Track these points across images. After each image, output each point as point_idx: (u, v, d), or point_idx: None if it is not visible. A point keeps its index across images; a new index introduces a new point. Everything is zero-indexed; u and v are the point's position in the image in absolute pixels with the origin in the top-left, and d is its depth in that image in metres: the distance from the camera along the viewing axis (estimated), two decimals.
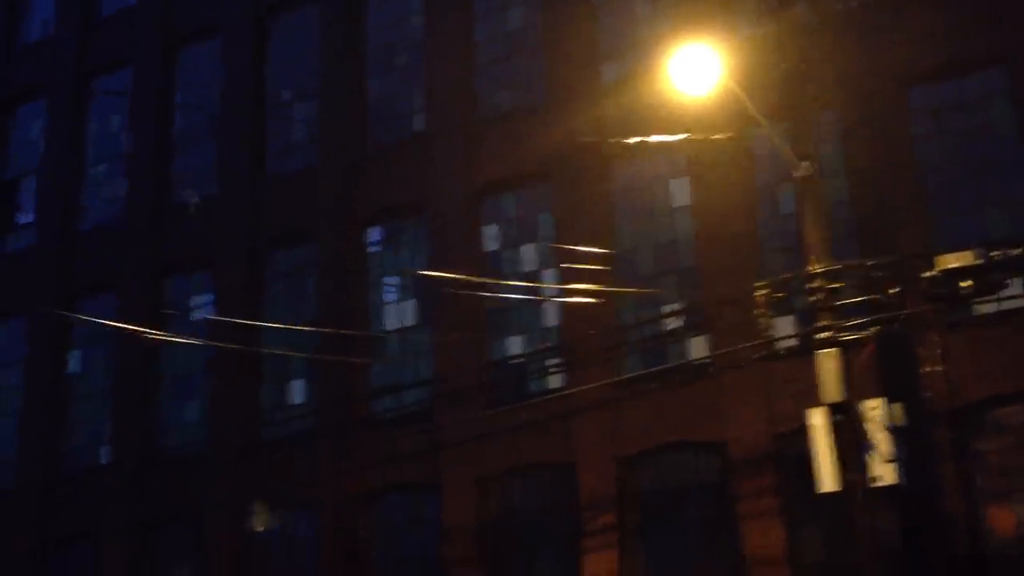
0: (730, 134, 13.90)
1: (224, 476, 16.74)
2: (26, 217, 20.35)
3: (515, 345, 15.80)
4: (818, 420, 10.29)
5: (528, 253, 16.14)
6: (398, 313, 16.82)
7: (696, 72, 10.73)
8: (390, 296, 16.98)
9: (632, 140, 14.62)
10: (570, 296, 14.72)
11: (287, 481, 16.27)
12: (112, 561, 17.23)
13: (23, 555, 17.89)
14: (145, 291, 18.48)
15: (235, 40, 19.21)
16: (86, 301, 19.06)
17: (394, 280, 17.00)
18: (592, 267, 14.85)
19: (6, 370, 19.56)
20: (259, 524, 16.11)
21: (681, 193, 15.30)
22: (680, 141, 14.67)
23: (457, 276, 14.84)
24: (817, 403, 10.36)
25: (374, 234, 17.34)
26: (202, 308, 18.25)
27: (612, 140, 15.18)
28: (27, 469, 18.47)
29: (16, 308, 19.64)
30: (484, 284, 15.13)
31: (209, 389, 17.63)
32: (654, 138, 14.24)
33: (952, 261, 10.03)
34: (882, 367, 10.47)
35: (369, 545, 15.80)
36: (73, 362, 18.98)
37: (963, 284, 10.01)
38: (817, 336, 10.35)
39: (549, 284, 15.53)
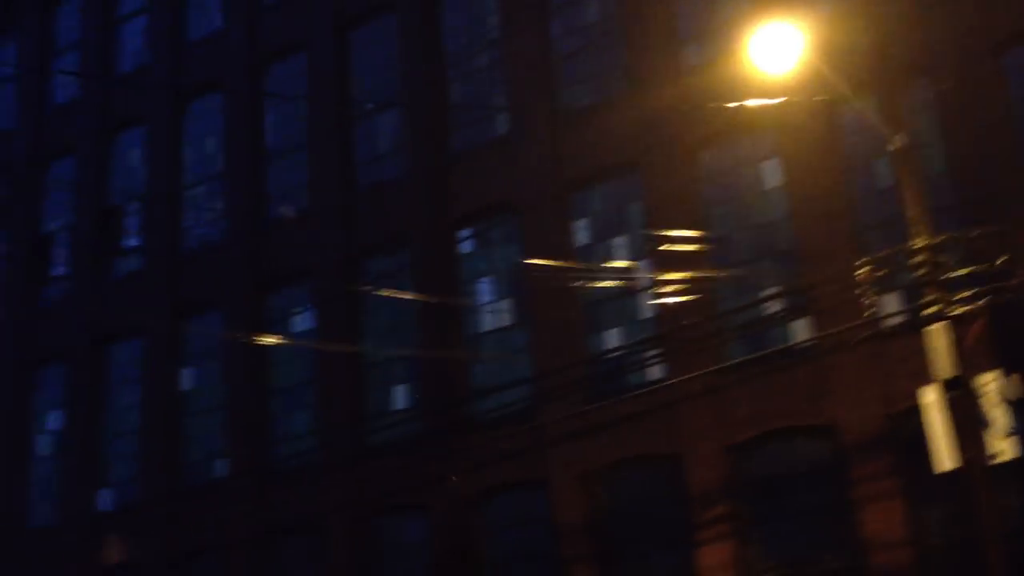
0: (822, 98, 13.59)
1: (337, 483, 17.05)
2: (132, 241, 21.01)
3: (613, 338, 15.76)
4: (931, 398, 10.04)
5: (620, 245, 16.07)
6: (494, 313, 16.92)
7: (779, 50, 10.55)
8: (485, 297, 17.09)
9: (732, 104, 14.37)
10: (666, 285, 14.62)
11: (397, 486, 16.50)
12: (238, 571, 17.70)
13: (152, 568, 18.48)
14: (248, 306, 18.91)
15: (319, 54, 19.54)
16: (194, 319, 19.60)
17: (489, 280, 17.10)
18: (686, 253, 14.72)
19: (124, 389, 20.25)
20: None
21: (772, 174, 15.06)
22: (769, 121, 14.45)
23: (557, 264, 14.88)
24: (929, 380, 10.12)
25: (465, 236, 17.47)
26: (303, 320, 18.62)
27: (713, 104, 14.92)
28: (150, 485, 19.08)
29: (130, 329, 20.28)
30: (580, 275, 15.14)
31: (316, 399, 17.98)
32: (752, 102, 13.93)
33: None
34: (995, 339, 10.17)
35: (480, 545, 15.93)
36: (186, 379, 19.54)
37: None
38: (925, 311, 10.11)
39: (645, 274, 15.43)
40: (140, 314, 20.06)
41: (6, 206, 22.78)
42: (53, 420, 20.92)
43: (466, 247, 17.45)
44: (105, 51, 22.59)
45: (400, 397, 17.45)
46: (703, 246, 14.86)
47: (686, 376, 13.26)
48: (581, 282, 15.75)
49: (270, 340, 16.92)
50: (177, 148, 20.93)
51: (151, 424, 19.47)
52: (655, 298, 15.25)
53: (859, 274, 10.95)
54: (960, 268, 10.26)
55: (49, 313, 21.45)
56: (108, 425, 20.17)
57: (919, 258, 10.15)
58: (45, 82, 23.22)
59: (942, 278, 10.09)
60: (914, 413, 10.34)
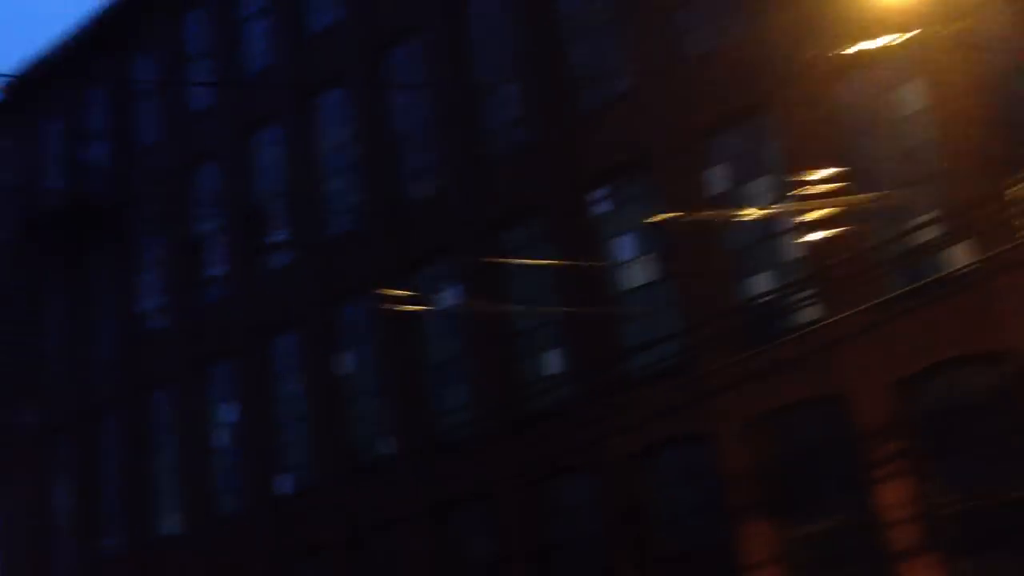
0: (962, 21, 12.98)
1: (501, 452, 17.38)
2: (280, 236, 21.72)
3: (762, 283, 15.50)
4: None
5: (759, 188, 15.75)
6: (637, 271, 16.85)
7: None
8: (626, 254, 17.03)
9: (889, 38, 13.86)
10: (812, 223, 14.28)
11: (560, 450, 16.72)
12: (414, 544, 18.29)
13: (334, 545, 19.26)
14: (397, 288, 19.33)
15: (436, 35, 19.67)
16: (347, 305, 20.15)
17: (628, 237, 17.03)
18: (830, 188, 14.34)
19: (288, 379, 21.05)
20: None
21: (913, 98, 14.45)
22: (904, 43, 13.85)
23: (696, 217, 14.70)
24: None
25: (599, 196, 17.41)
26: (449, 296, 18.95)
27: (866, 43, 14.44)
28: (323, 467, 19.84)
29: (287, 321, 21.03)
30: (722, 222, 14.92)
31: (471, 372, 18.31)
32: (886, 39, 13.44)
33: None
34: None
35: (649, 502, 16.00)
36: (344, 364, 20.17)
37: None
38: None
39: (789, 214, 15.08)
40: (295, 305, 20.77)
41: (160, 215, 23.83)
42: (227, 413, 21.94)
43: (601, 207, 17.40)
44: (233, 55, 23.27)
45: (553, 362, 17.61)
46: (847, 180, 14.43)
47: (844, 314, 12.97)
48: (723, 230, 15.53)
49: (418, 308, 17.30)
50: (311, 142, 21.46)
51: (317, 410, 20.21)
52: (802, 238, 14.92)
53: (1012, 192, 10.45)
54: None
55: (211, 312, 22.41)
56: (278, 414, 21.03)
57: None
58: (183, 92, 24.09)
59: None
60: None
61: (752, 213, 15.24)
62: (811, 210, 14.35)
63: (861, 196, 14.27)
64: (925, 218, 13.75)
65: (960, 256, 13.57)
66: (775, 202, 15.40)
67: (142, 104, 25.02)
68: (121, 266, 24.29)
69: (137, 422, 23.32)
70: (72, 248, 25.13)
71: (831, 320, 13.38)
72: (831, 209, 14.09)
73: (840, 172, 14.42)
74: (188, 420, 22.30)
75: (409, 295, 19.25)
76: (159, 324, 23.42)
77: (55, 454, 24.92)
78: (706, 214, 15.16)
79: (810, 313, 14.67)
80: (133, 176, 24.56)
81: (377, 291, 19.61)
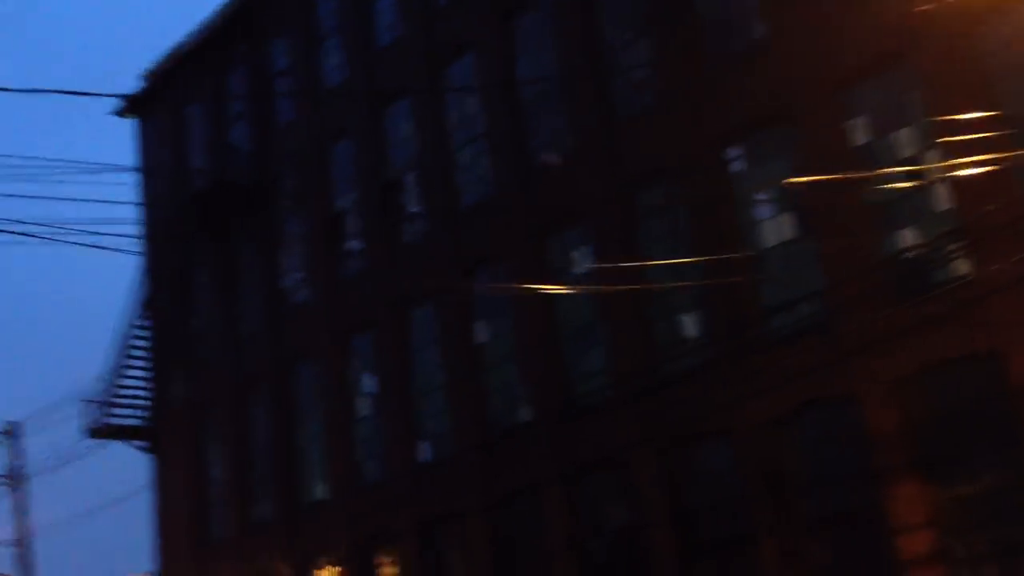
0: None
1: (638, 416, 17.24)
2: (415, 208, 22.02)
3: (908, 236, 14.87)
4: None
5: (902, 138, 15.09)
6: (776, 228, 16.41)
7: None
8: (764, 213, 16.60)
9: None
10: (960, 172, 13.60)
11: (696, 413, 16.47)
12: (551, 510, 18.33)
13: (470, 513, 19.47)
14: (530, 255, 19.36)
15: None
16: (480, 274, 20.29)
17: (765, 195, 16.59)
18: (977, 135, 13.62)
19: (425, 350, 21.37)
20: None
21: None
22: None
23: (835, 177, 14.20)
24: None
25: (735, 154, 17.01)
26: (583, 260, 18.86)
27: None
28: (462, 435, 20.08)
29: (423, 292, 21.33)
30: (864, 176, 14.36)
31: (606, 336, 18.20)
32: None
33: None
34: None
35: (789, 466, 15.61)
36: (480, 333, 20.34)
37: None
38: None
39: (935, 165, 14.41)
40: (431, 276, 21.02)
41: (299, 192, 24.47)
42: (369, 383, 22.42)
43: (737, 165, 17.00)
44: (363, 31, 23.64)
45: (689, 325, 17.35)
46: (994, 125, 13.67)
47: (996, 266, 12.31)
48: (865, 183, 14.95)
49: (561, 289, 17.26)
50: (441, 114, 21.64)
51: (454, 379, 20.44)
52: (950, 188, 14.24)
53: None
54: None
55: (352, 285, 22.92)
56: (417, 383, 21.38)
57: None
58: (317, 70, 24.63)
59: None
60: None
61: (895, 165, 14.63)
62: (958, 158, 13.66)
63: (1010, 142, 13.51)
64: None
65: None
66: (919, 152, 14.75)
67: (279, 85, 25.69)
68: (265, 243, 25.06)
69: (284, 394, 24.07)
70: (219, 227, 26.05)
71: (982, 273, 12.72)
72: (979, 156, 13.37)
73: (987, 117, 13.68)
74: (331, 391, 22.89)
75: (542, 262, 19.24)
76: (302, 298, 24.09)
77: (208, 426, 25.97)
78: (842, 170, 14.60)
79: (960, 266, 14.01)
80: (274, 155, 25.28)
81: (511, 259, 19.66)
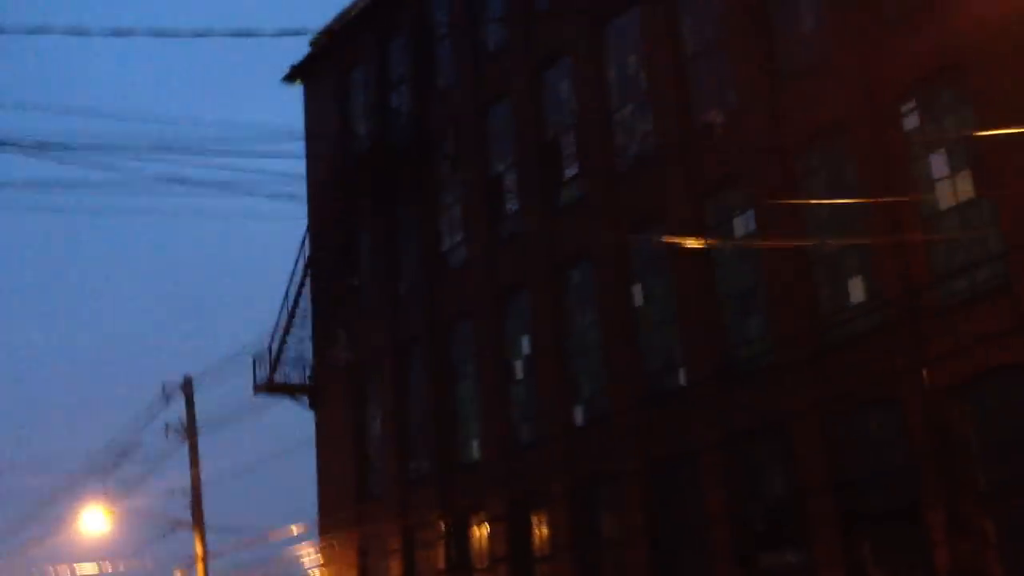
0: None
1: (799, 382, 16.75)
2: (571, 169, 21.93)
3: None
4: None
5: None
6: (951, 187, 15.61)
7: None
8: (940, 171, 15.81)
9: None
10: None
11: (862, 380, 15.89)
12: (709, 475, 18.06)
13: (628, 474, 19.36)
14: (689, 216, 19.00)
15: None
16: (640, 236, 20.01)
17: (940, 153, 15.79)
18: None
19: (582, 311, 21.31)
20: None
21: None
22: None
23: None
24: None
25: (908, 110, 16.23)
26: (744, 222, 18.41)
27: None
28: (617, 397, 19.97)
29: (580, 252, 21.24)
30: None
31: (767, 300, 17.76)
32: None
33: None
34: None
35: (961, 435, 14.90)
36: (637, 294, 20.14)
37: None
38: None
39: None
40: (588, 237, 20.89)
41: (458, 154, 24.70)
42: (524, 344, 22.53)
43: (910, 121, 16.21)
44: None
45: (855, 290, 16.73)
46: None
47: None
48: None
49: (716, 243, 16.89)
50: (600, 73, 21.41)
51: (611, 340, 20.32)
52: None
53: None
54: None
55: (509, 246, 23.04)
56: (573, 344, 21.36)
57: None
58: (478, 34, 24.72)
59: None
60: None
61: None
62: None
63: None
64: None
65: None
66: None
67: (440, 49, 25.93)
68: (425, 205, 25.43)
69: (441, 353, 24.45)
70: (381, 190, 26.57)
71: None
72: None
73: None
74: (488, 351, 23.11)
75: (702, 223, 18.86)
76: (460, 259, 24.36)
77: (368, 384, 26.64)
78: None
79: None
80: (434, 119, 25.56)
81: (670, 219, 19.35)
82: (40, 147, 17.26)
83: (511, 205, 23.32)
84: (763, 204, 17.68)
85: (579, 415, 21.03)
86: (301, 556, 25.27)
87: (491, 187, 23.80)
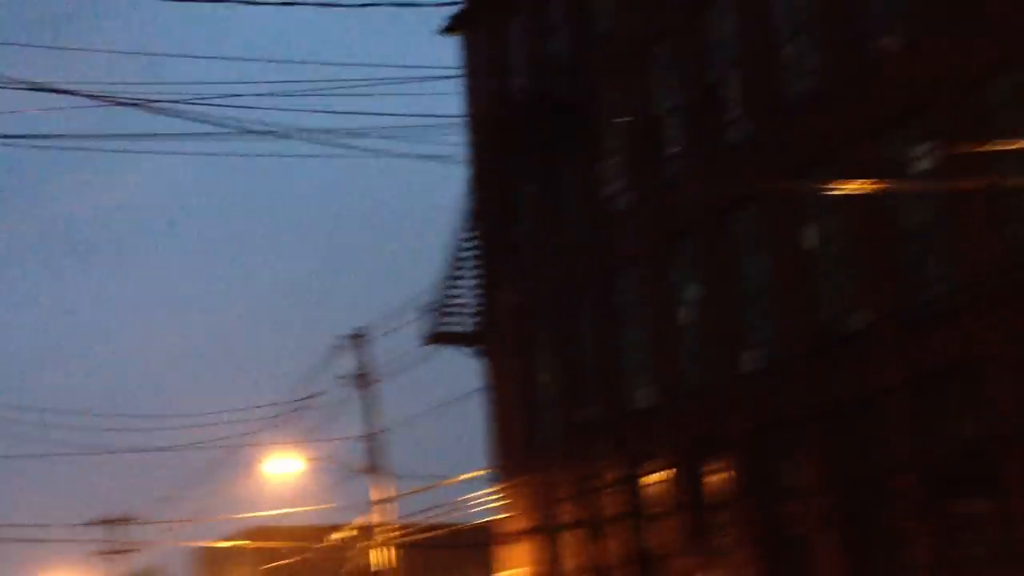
0: None
1: (992, 324, 15.92)
2: (736, 109, 21.29)
3: None
4: None
5: None
6: None
7: None
8: None
9: None
10: None
11: None
12: (893, 420, 17.48)
13: (801, 422, 18.93)
14: (864, 153, 18.18)
15: None
16: (809, 175, 19.31)
17: None
18: None
19: (751, 255, 20.81)
20: None
21: None
22: None
23: None
24: None
25: None
26: (925, 157, 17.51)
27: None
28: (788, 342, 19.48)
29: (746, 196, 20.67)
30: None
31: (947, 240, 16.92)
32: None
33: None
34: None
35: None
36: (809, 236, 19.49)
37: None
38: None
39: None
40: (756, 178, 20.30)
41: (619, 100, 24.34)
42: (692, 289, 22.20)
43: None
44: None
45: None
46: None
47: None
48: None
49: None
50: (765, 4, 20.60)
51: (781, 284, 19.79)
52: None
53: None
54: None
55: (673, 191, 22.65)
56: (742, 289, 20.91)
57: None
58: None
59: None
60: None
61: None
62: None
63: None
64: None
65: None
66: None
67: None
68: (586, 151, 25.23)
69: (607, 300, 24.37)
70: (541, 138, 26.49)
71: None
72: None
73: None
74: (654, 298, 22.90)
75: (879, 160, 18.03)
76: (624, 205, 24.12)
77: (535, 332, 26.83)
78: None
79: None
80: (593, 64, 25.22)
81: (841, 158, 18.59)
82: (197, 99, 17.88)
83: (675, 148, 22.87)
84: (944, 141, 16.75)
85: (751, 360, 20.63)
86: (476, 502, 25.83)
87: (654, 131, 23.38)
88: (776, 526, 19.63)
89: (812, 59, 19.65)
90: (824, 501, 18.55)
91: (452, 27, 29.54)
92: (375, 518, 28.49)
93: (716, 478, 21.14)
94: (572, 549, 24.48)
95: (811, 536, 18.74)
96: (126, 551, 47.32)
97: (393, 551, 27.14)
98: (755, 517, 19.92)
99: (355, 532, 31.36)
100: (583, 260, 24.98)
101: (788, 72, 20.22)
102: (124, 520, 45.41)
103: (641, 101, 23.58)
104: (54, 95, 15.98)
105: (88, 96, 16.57)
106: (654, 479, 22.72)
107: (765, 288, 20.35)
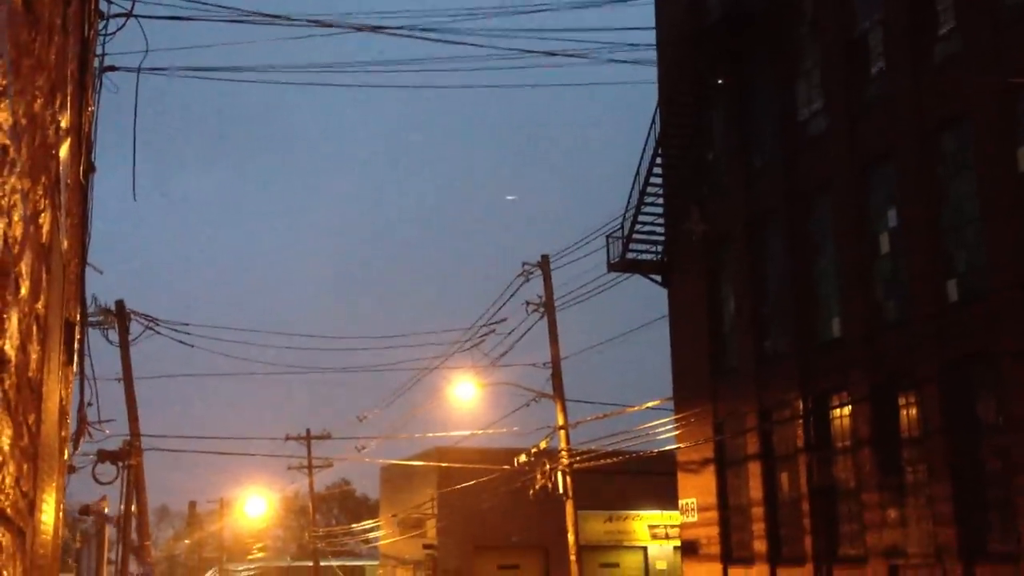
0: None
1: None
2: (947, 24, 19.92)
3: None
4: None
5: None
6: None
7: None
8: None
9: None
10: None
11: None
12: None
13: (1007, 355, 17.80)
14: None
15: None
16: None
17: None
18: None
19: (956, 180, 19.59)
20: None
21: None
22: None
23: None
24: None
25: None
26: None
27: None
28: (998, 273, 18.30)
29: (955, 115, 19.41)
30: None
31: None
32: None
33: None
34: None
35: None
36: (1023, 159, 18.16)
37: None
38: None
39: None
40: (966, 98, 19.01)
41: (817, 16, 23.21)
42: (891, 217, 21.12)
43: None
44: None
45: None
46: None
47: None
48: None
49: None
50: None
51: (992, 210, 18.53)
52: None
53: None
54: None
55: (872, 113, 21.50)
56: (947, 217, 19.73)
57: None
58: None
59: None
60: None
61: None
62: None
63: None
64: None
65: None
66: None
67: None
68: (780, 72, 24.27)
69: (799, 227, 23.53)
70: (734, 59, 25.63)
71: None
72: None
73: None
74: (850, 225, 21.93)
75: None
76: (819, 128, 23.12)
77: (722, 260, 26.25)
78: None
79: None
80: None
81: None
82: (375, 29, 18.09)
83: (876, 67, 21.65)
84: None
85: (953, 291, 19.50)
86: (658, 429, 25.66)
87: (853, 48, 22.20)
88: (972, 463, 18.62)
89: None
90: None
91: None
92: (560, 443, 28.75)
93: (910, 412, 20.23)
94: (755, 480, 24.04)
95: (1008, 474, 17.68)
96: (321, 467, 49.86)
97: (568, 477, 27.34)
98: (951, 453, 18.96)
99: (540, 455, 31.77)
100: (775, 185, 24.15)
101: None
102: (322, 437, 47.73)
103: (841, 15, 22.41)
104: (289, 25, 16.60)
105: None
106: (843, 412, 21.95)
107: (972, 215, 19.12)
